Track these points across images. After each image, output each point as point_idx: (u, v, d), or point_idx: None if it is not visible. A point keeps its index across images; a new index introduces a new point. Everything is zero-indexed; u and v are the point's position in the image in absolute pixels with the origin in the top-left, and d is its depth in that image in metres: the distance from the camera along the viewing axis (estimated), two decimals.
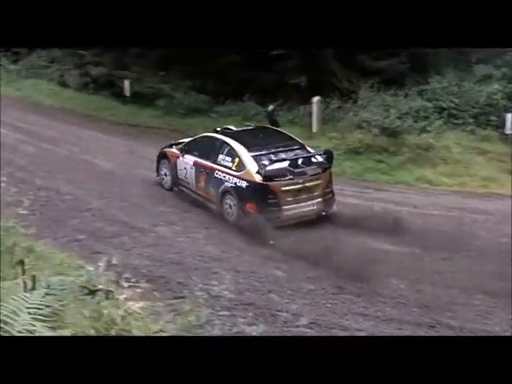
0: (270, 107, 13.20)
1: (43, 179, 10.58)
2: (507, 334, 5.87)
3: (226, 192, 8.90)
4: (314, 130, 13.55)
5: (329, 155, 9.16)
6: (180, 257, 7.65)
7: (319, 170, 8.96)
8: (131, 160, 12.17)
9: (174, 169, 10.07)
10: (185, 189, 9.84)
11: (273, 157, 8.90)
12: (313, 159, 9.01)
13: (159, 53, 16.02)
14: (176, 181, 10.05)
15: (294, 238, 8.02)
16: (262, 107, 14.33)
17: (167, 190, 10.15)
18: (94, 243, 7.77)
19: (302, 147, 9.41)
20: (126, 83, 16.76)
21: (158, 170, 10.45)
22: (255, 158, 8.81)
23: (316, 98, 13.64)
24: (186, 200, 9.29)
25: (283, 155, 8.91)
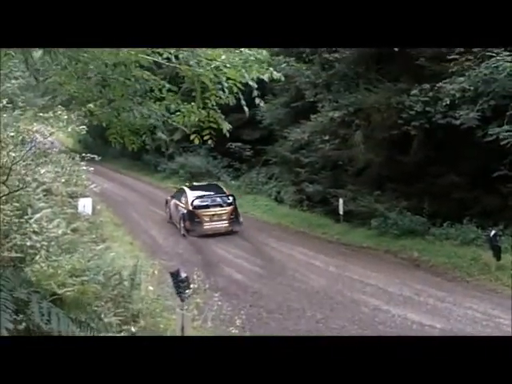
0: (492, 232, 14.10)
1: (253, 295, 12.76)
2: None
3: (181, 216, 19.47)
4: None
5: (233, 197, 19.80)
6: None
7: (225, 205, 19.53)
8: (341, 280, 13.83)
9: (168, 208, 21.28)
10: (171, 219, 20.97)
11: (202, 197, 19.64)
12: (225, 199, 19.81)
13: (375, 172, 18.90)
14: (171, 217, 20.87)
15: None
16: (483, 231, 15.34)
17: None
18: None
19: (223, 193, 20.14)
20: (341, 201, 19.19)
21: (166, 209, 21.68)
22: (194, 198, 19.35)
23: None
24: None
25: (209, 197, 19.75)
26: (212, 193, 20.37)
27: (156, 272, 11.20)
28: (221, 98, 5.94)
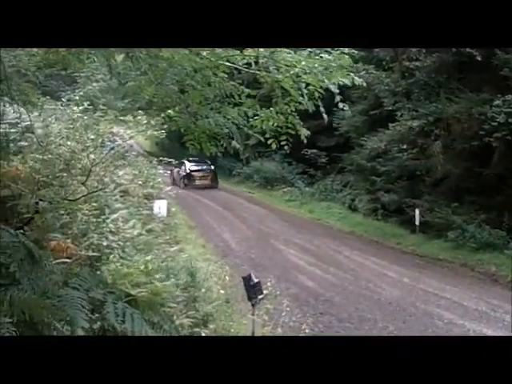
0: None
1: (324, 303, 12.59)
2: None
3: (182, 177, 32.09)
4: None
5: (214, 167, 32.79)
6: None
7: (209, 171, 32.97)
8: (415, 292, 13.54)
9: (172, 175, 30.89)
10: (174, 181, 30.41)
11: (196, 165, 32.52)
12: (208, 167, 32.98)
13: (453, 183, 18.50)
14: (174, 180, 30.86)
15: None
16: None
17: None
18: None
19: (208, 164, 32.75)
20: (417, 212, 18.80)
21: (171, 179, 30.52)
22: (190, 166, 32.20)
23: None
24: None
25: (199, 165, 32.55)
26: (201, 163, 32.66)
27: (227, 276, 11.27)
28: (300, 103, 5.89)
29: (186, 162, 31.45)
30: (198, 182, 31.48)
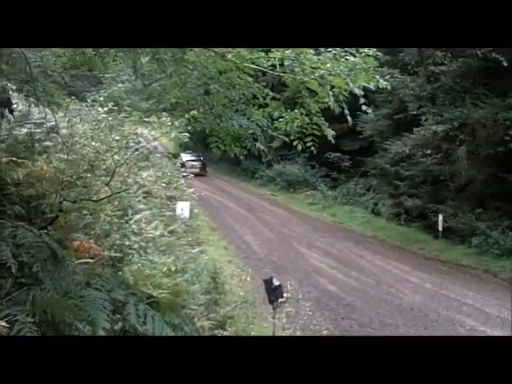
0: None
1: (345, 307, 12.50)
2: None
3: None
4: None
5: (203, 158, 40.17)
6: None
7: (199, 162, 39.71)
8: (437, 298, 13.41)
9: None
10: None
11: (190, 157, 39.27)
12: (199, 158, 40.14)
13: (477, 188, 18.32)
14: None
15: None
16: None
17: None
18: None
19: (199, 156, 40.42)
20: (440, 217, 18.57)
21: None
22: (185, 157, 36.76)
23: None
24: None
25: (192, 157, 39.80)
26: (194, 156, 39.79)
27: (249, 278, 11.24)
28: (326, 103, 5.84)
29: (182, 154, 37.62)
30: (188, 170, 35.67)
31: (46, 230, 5.45)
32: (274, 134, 6.67)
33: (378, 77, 5.76)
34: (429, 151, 19.93)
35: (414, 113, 20.28)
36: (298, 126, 6.27)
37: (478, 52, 17.21)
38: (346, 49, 5.56)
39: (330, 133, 6.12)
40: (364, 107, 5.91)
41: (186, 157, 37.65)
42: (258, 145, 6.77)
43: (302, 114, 6.20)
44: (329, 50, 5.64)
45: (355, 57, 5.61)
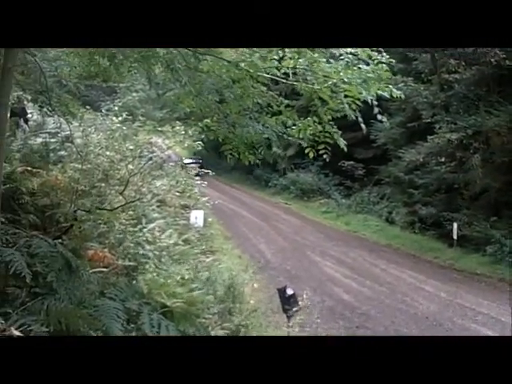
0: None
1: (360, 316, 12.45)
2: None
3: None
4: None
5: (202, 160, 36.38)
6: None
7: (198, 163, 29.86)
8: (452, 307, 13.29)
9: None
10: None
11: (190, 159, 31.59)
12: (198, 161, 34.04)
13: (492, 197, 18.04)
14: None
15: None
16: None
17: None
18: None
19: (198, 159, 35.92)
20: (455, 226, 18.40)
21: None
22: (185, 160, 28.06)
23: None
24: None
25: (192, 159, 32.58)
26: (194, 159, 36.08)
27: (263, 287, 11.20)
28: (338, 111, 5.83)
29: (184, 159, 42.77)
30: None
31: (60, 240, 5.47)
32: (289, 138, 6.64)
33: (391, 86, 5.73)
34: (443, 159, 19.81)
35: (428, 121, 20.17)
36: (310, 134, 6.25)
37: (492, 60, 17.12)
38: (358, 56, 5.53)
39: (342, 142, 6.10)
40: (379, 116, 5.89)
41: (186, 160, 40.60)
42: (274, 149, 6.77)
43: (314, 121, 6.19)
44: (341, 57, 5.62)
45: (368, 64, 5.59)
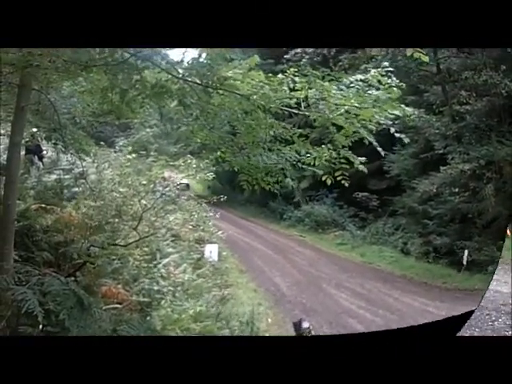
0: None
1: None
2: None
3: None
4: None
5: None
6: None
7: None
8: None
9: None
10: None
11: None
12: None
13: (503, 223, 17.83)
14: None
15: None
16: None
17: None
18: None
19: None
20: (466, 252, 18.38)
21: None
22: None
23: None
24: None
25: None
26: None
27: (279, 321, 11.00)
28: (355, 133, 5.73)
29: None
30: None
31: (73, 277, 5.38)
32: (303, 167, 6.53)
33: (403, 105, 5.67)
34: (456, 190, 19.69)
35: (441, 152, 20.11)
36: (326, 161, 6.15)
37: (503, 91, 17.10)
38: (369, 83, 5.45)
39: (358, 161, 6.00)
40: (397, 134, 5.80)
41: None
42: (287, 180, 6.67)
43: (329, 149, 6.09)
44: (352, 85, 5.55)
45: (378, 89, 5.52)
